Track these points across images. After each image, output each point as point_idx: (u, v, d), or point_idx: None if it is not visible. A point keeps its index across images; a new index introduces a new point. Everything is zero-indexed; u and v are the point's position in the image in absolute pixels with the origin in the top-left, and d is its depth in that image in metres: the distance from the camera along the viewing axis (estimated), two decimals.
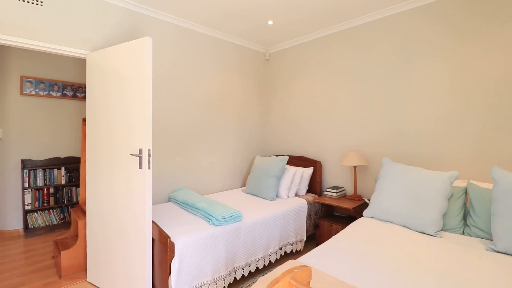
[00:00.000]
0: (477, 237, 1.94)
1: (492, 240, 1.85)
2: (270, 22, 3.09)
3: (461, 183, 2.21)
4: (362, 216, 2.48)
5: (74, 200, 3.83)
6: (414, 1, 2.59)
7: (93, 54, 2.36)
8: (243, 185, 3.80)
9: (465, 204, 2.13)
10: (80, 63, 3.95)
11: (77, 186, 3.85)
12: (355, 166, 2.91)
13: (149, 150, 1.99)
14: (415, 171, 2.24)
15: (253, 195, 3.17)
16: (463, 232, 2.03)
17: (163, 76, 2.95)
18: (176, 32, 3.05)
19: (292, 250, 2.80)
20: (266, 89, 4.06)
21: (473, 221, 1.99)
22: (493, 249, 1.73)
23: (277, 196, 3.09)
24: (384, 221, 2.25)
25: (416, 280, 1.41)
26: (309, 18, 2.99)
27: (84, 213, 2.66)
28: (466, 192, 2.15)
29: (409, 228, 2.10)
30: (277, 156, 3.71)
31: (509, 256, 1.65)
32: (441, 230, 2.08)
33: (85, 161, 2.67)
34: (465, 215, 2.10)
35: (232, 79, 3.60)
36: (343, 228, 2.66)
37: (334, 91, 3.25)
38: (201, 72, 3.28)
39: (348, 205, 2.73)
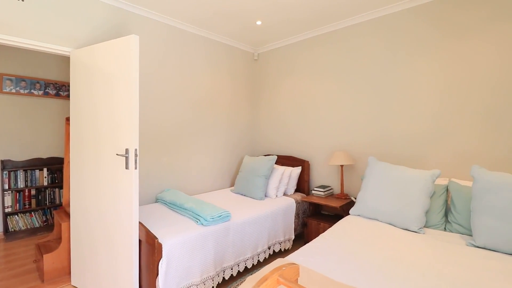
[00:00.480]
0: (458, 233, 2.02)
1: (471, 236, 1.93)
2: (258, 22, 3.11)
3: (442, 181, 2.29)
4: (349, 214, 2.52)
5: (57, 202, 3.72)
6: (401, 3, 2.66)
7: (78, 51, 2.30)
8: (232, 185, 3.79)
9: (446, 201, 2.20)
10: (64, 61, 3.84)
11: (60, 187, 3.74)
12: (342, 165, 2.96)
13: (135, 150, 1.96)
14: (399, 169, 2.30)
15: (242, 195, 3.17)
16: (444, 228, 2.10)
17: (151, 75, 2.91)
18: (164, 31, 3.01)
19: (280, 249, 2.82)
20: (255, 89, 4.07)
21: (454, 217, 2.07)
22: (472, 244, 1.80)
23: (265, 196, 3.11)
24: (370, 218, 2.31)
25: (400, 275, 1.45)
26: (297, 19, 3.03)
27: (68, 215, 2.59)
28: (447, 190, 2.23)
29: (394, 225, 2.16)
30: (265, 156, 3.73)
31: (488, 250, 1.73)
32: (424, 226, 2.15)
33: (68, 162, 2.60)
34: (447, 212, 2.18)
35: (221, 79, 3.59)
36: (331, 226, 2.71)
37: (322, 92, 3.29)
38: (190, 71, 3.25)
39: (335, 203, 2.77)
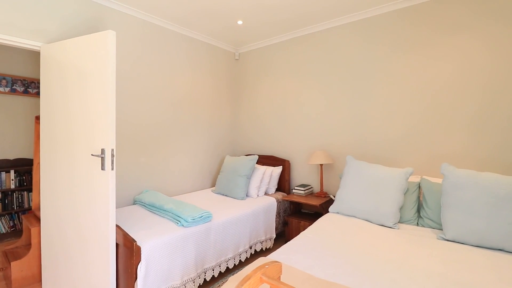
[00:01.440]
0: (430, 227, 2.13)
1: (442, 230, 2.04)
2: (239, 22, 3.10)
3: (415, 179, 2.41)
4: (328, 212, 2.59)
5: (26, 206, 3.50)
6: (377, 8, 2.76)
7: (48, 46, 2.18)
8: (213, 185, 3.76)
9: (419, 198, 2.32)
10: (32, 56, 3.62)
11: (29, 190, 3.53)
12: (321, 165, 3.03)
13: (112, 150, 1.89)
14: (375, 168, 2.39)
15: (223, 195, 3.15)
16: (417, 223, 2.21)
17: (128, 73, 2.82)
18: (142, 28, 2.92)
19: (262, 248, 2.84)
20: (236, 89, 4.06)
21: (425, 213, 2.18)
22: (443, 238, 1.91)
23: (247, 196, 3.11)
24: (348, 216, 2.38)
25: (377, 269, 1.51)
26: (277, 20, 3.05)
27: (38, 219, 2.44)
28: (419, 187, 2.34)
29: (370, 222, 2.25)
30: (247, 156, 3.73)
31: (457, 243, 1.84)
32: (398, 222, 2.24)
33: (38, 163, 2.46)
34: (419, 208, 2.29)
35: (202, 78, 3.55)
36: (311, 224, 2.76)
37: (302, 92, 3.35)
38: (170, 70, 3.18)
39: (315, 202, 2.83)
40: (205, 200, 2.93)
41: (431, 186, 2.22)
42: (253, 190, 3.09)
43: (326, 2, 2.65)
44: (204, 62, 3.56)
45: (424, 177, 2.36)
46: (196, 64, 3.46)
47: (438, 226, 2.09)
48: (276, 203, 3.05)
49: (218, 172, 3.81)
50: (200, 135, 3.54)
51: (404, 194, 2.27)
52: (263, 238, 2.83)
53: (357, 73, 2.93)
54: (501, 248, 1.71)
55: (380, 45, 2.78)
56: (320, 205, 2.79)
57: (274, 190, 3.32)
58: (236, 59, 4.03)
